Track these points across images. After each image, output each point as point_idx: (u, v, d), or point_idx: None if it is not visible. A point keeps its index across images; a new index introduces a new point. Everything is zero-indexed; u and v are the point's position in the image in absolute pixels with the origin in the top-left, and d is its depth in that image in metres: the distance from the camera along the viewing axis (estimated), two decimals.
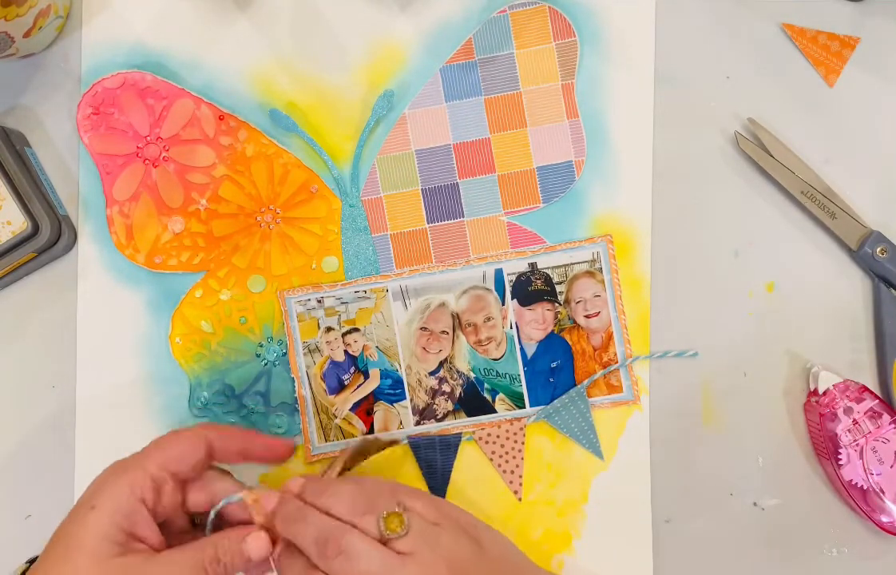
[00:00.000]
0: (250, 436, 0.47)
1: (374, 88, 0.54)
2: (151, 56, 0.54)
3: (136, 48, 0.54)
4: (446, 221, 0.54)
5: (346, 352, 0.54)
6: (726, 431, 0.54)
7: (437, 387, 0.54)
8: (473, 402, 0.54)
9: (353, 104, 0.54)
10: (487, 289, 0.54)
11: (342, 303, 0.54)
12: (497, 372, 0.54)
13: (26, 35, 0.51)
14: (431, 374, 0.54)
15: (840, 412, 0.51)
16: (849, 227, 0.53)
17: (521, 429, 0.54)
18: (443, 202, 0.54)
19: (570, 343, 0.54)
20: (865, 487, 0.51)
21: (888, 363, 0.52)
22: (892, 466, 0.51)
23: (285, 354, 0.54)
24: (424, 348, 0.54)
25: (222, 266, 0.54)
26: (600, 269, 0.54)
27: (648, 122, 0.54)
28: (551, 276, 0.54)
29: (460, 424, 0.54)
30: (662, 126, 0.54)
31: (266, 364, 0.54)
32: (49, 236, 0.52)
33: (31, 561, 0.45)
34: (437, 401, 0.54)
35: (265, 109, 0.54)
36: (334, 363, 0.54)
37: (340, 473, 0.48)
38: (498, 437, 0.54)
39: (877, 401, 0.51)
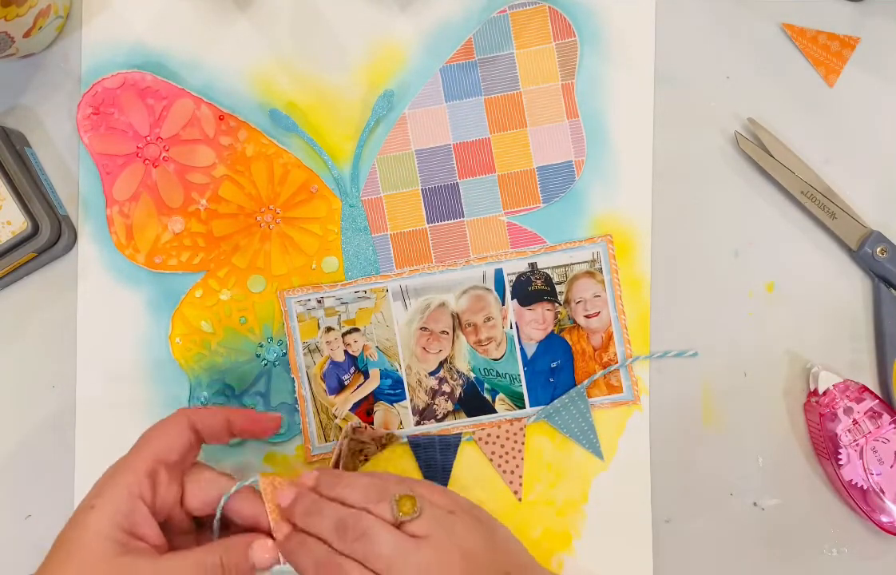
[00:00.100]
0: (231, 410, 0.48)
1: (374, 88, 0.54)
2: (151, 56, 0.54)
3: (136, 48, 0.54)
4: (446, 221, 0.54)
5: (346, 352, 0.54)
6: (726, 431, 0.54)
7: (437, 387, 0.54)
8: (473, 402, 0.54)
9: (353, 104, 0.54)
10: (487, 289, 0.54)
11: (342, 303, 0.54)
12: (497, 372, 0.54)
13: (26, 35, 0.51)
14: (431, 374, 0.54)
15: (840, 412, 0.51)
16: (849, 227, 0.53)
17: (521, 429, 0.54)
18: (443, 202, 0.54)
19: (570, 343, 0.54)
20: (865, 487, 0.51)
21: (888, 363, 0.52)
22: (892, 466, 0.51)
23: (285, 354, 0.54)
24: (424, 348, 0.54)
25: (222, 266, 0.54)
26: (600, 269, 0.54)
27: (648, 122, 0.54)
28: (551, 276, 0.54)
29: (460, 424, 0.54)
30: (662, 126, 0.54)
31: (266, 364, 0.54)
32: (49, 236, 0.52)
33: None
34: (437, 401, 0.54)
35: (265, 109, 0.54)
36: (334, 363, 0.54)
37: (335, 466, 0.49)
38: (498, 437, 0.54)
39: (877, 401, 0.51)
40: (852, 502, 0.51)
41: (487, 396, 0.54)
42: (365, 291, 0.54)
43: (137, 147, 0.53)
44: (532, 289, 0.54)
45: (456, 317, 0.54)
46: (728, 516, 0.53)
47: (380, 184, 0.54)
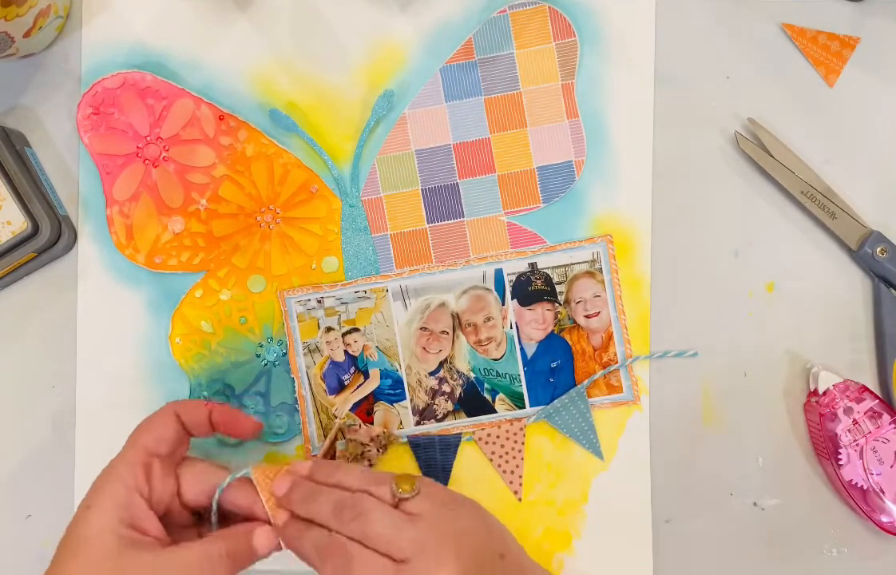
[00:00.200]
0: (213, 403, 0.48)
1: (374, 88, 0.54)
2: (151, 56, 0.54)
3: (136, 48, 0.54)
4: (446, 221, 0.54)
5: (346, 352, 0.54)
6: (726, 431, 0.54)
7: (437, 387, 0.54)
8: (473, 402, 0.54)
9: (353, 104, 0.54)
10: (487, 289, 0.54)
11: (342, 303, 0.54)
12: (497, 372, 0.54)
13: (26, 35, 0.51)
14: (431, 374, 0.54)
15: (840, 412, 0.51)
16: (849, 227, 0.53)
17: (521, 429, 0.54)
18: (443, 202, 0.54)
19: (570, 343, 0.54)
20: (865, 487, 0.51)
21: (888, 363, 0.52)
22: (892, 466, 0.51)
23: (285, 354, 0.54)
24: (424, 348, 0.54)
25: (222, 266, 0.54)
26: (600, 270, 0.54)
27: (648, 122, 0.54)
28: (551, 276, 0.54)
29: (460, 424, 0.54)
30: (662, 126, 0.54)
31: (266, 364, 0.54)
32: (49, 236, 0.52)
33: None
34: (437, 401, 0.54)
35: (265, 109, 0.54)
36: (334, 363, 0.54)
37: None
38: (498, 437, 0.54)
39: (877, 401, 0.51)
40: (852, 502, 0.51)
41: (487, 396, 0.54)
42: (365, 291, 0.54)
43: (137, 147, 0.53)
44: (532, 289, 0.54)
45: (456, 317, 0.54)
46: (728, 516, 0.53)
47: (380, 184, 0.54)
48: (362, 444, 0.53)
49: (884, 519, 0.51)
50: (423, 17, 0.54)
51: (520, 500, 0.54)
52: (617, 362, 0.54)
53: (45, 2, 0.51)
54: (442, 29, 0.54)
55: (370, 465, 0.53)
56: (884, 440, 0.51)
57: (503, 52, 0.54)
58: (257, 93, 0.54)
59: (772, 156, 0.53)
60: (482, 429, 0.54)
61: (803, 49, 0.54)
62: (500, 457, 0.54)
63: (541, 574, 0.46)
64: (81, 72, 0.54)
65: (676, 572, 0.53)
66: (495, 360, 0.54)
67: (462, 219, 0.54)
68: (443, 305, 0.54)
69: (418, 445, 0.54)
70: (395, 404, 0.54)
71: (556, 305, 0.54)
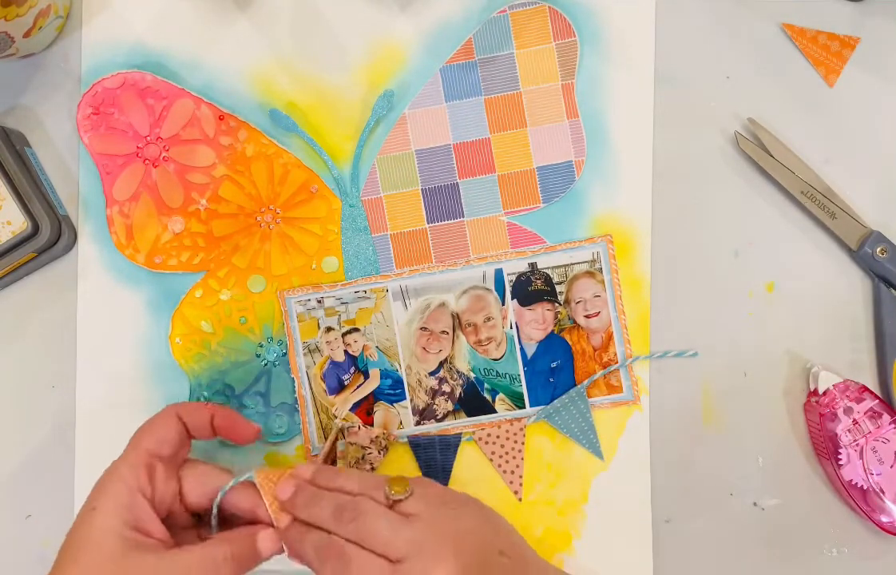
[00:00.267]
0: (215, 406, 0.49)
1: (374, 88, 0.54)
2: (151, 56, 0.54)
3: (136, 48, 0.54)
4: (446, 221, 0.54)
5: (346, 352, 0.54)
6: (726, 431, 0.54)
7: (437, 387, 0.54)
8: (473, 402, 0.54)
9: (353, 104, 0.54)
10: (487, 289, 0.54)
11: (342, 303, 0.54)
12: (497, 372, 0.54)
13: (26, 35, 0.51)
14: (431, 374, 0.54)
15: (840, 412, 0.51)
16: (849, 227, 0.53)
17: (521, 429, 0.54)
18: (443, 202, 0.54)
19: (570, 343, 0.54)
20: (865, 487, 0.51)
21: (888, 363, 0.52)
22: (892, 466, 0.51)
23: (285, 354, 0.54)
24: (424, 348, 0.54)
25: (222, 266, 0.54)
26: (600, 270, 0.54)
27: (648, 122, 0.54)
28: (551, 276, 0.54)
29: (460, 424, 0.54)
30: (662, 126, 0.54)
31: (266, 364, 0.54)
32: (49, 236, 0.52)
33: None
34: (437, 401, 0.54)
35: (265, 109, 0.54)
36: (334, 363, 0.54)
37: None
38: (498, 437, 0.54)
39: (877, 401, 0.51)
40: (852, 502, 0.51)
41: (487, 396, 0.54)
42: (365, 291, 0.54)
43: (137, 147, 0.53)
44: (532, 289, 0.54)
45: (456, 317, 0.54)
46: (728, 516, 0.53)
47: (380, 184, 0.54)
48: (363, 447, 0.53)
49: (884, 519, 0.51)
50: (423, 17, 0.54)
51: (520, 500, 0.54)
52: (617, 362, 0.54)
53: (45, 2, 0.51)
54: (442, 29, 0.54)
55: (372, 468, 0.53)
56: (884, 440, 0.51)
57: (503, 52, 0.54)
58: (257, 93, 0.54)
59: (772, 156, 0.53)
60: (482, 429, 0.54)
61: (803, 49, 0.54)
62: (501, 457, 0.54)
63: (544, 568, 0.46)
64: (81, 72, 0.54)
65: (676, 572, 0.53)
66: (495, 360, 0.54)
67: (462, 219, 0.54)
68: (443, 304, 0.54)
69: (418, 446, 0.54)
70: (395, 404, 0.54)
71: (556, 304, 0.54)
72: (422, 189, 0.54)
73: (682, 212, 0.54)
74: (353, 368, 0.54)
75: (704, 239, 0.54)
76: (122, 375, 0.54)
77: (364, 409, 0.54)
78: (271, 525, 0.46)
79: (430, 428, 0.54)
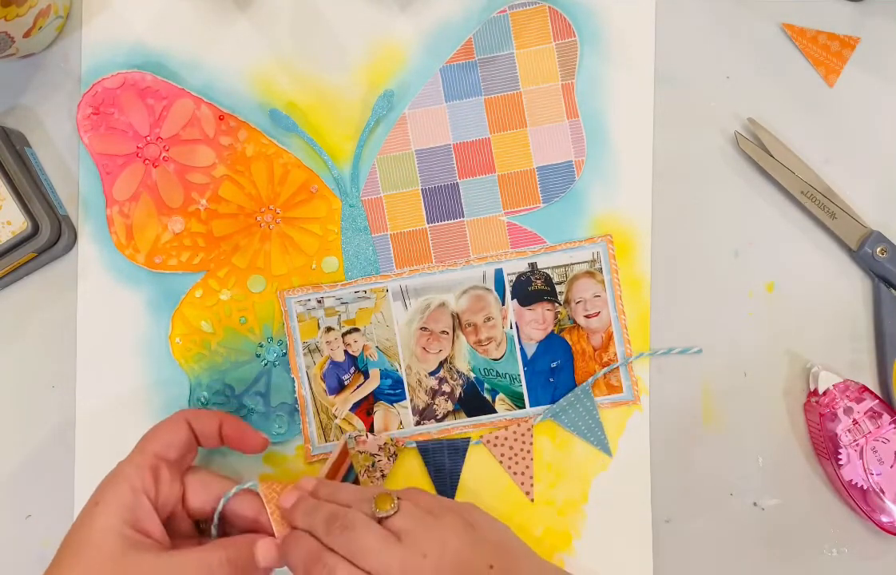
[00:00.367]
0: (225, 415, 0.49)
1: (374, 88, 0.54)
2: (151, 56, 0.54)
3: (136, 48, 0.54)
4: (446, 221, 0.54)
5: (346, 352, 0.54)
6: (726, 431, 0.54)
7: (437, 387, 0.54)
8: (473, 402, 0.54)
9: (353, 104, 0.54)
10: (487, 289, 0.54)
11: (342, 303, 0.54)
12: (497, 372, 0.54)
13: (26, 35, 0.51)
14: (431, 374, 0.54)
15: (840, 412, 0.51)
16: (849, 227, 0.53)
17: (529, 429, 0.54)
18: (443, 202, 0.54)
19: (570, 343, 0.54)
20: (865, 487, 0.51)
21: (888, 363, 0.52)
22: (892, 466, 0.51)
23: (285, 354, 0.54)
24: (424, 348, 0.54)
25: (222, 266, 0.54)
26: (600, 270, 0.54)
27: (648, 122, 0.54)
28: (551, 276, 0.54)
29: (460, 424, 0.54)
30: (662, 126, 0.54)
31: (266, 364, 0.54)
32: (49, 236, 0.52)
33: None
34: (437, 401, 0.54)
35: (265, 109, 0.54)
36: (334, 363, 0.54)
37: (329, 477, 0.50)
38: (506, 439, 0.54)
39: (877, 401, 0.51)
40: (852, 502, 0.51)
41: (487, 396, 0.54)
42: (365, 291, 0.54)
43: (137, 147, 0.53)
44: (532, 289, 0.54)
45: (456, 317, 0.54)
46: (728, 516, 0.53)
47: (380, 184, 0.54)
48: (372, 455, 0.53)
49: (884, 519, 0.51)
50: (423, 17, 0.54)
51: (532, 500, 0.54)
52: (617, 362, 0.54)
53: (45, 2, 0.51)
54: (442, 29, 0.54)
55: (382, 475, 0.53)
56: (884, 440, 0.51)
57: (503, 52, 0.54)
58: (257, 93, 0.54)
59: (772, 156, 0.53)
60: (490, 432, 0.54)
61: (803, 49, 0.54)
62: (510, 459, 0.54)
63: (540, 568, 0.46)
64: (81, 72, 0.54)
65: (676, 572, 0.53)
66: (495, 360, 0.54)
67: (462, 219, 0.54)
68: (443, 305, 0.54)
69: (427, 450, 0.54)
70: (395, 404, 0.54)
71: (556, 305, 0.54)
72: (422, 189, 0.54)
73: (682, 212, 0.54)
74: (353, 368, 0.54)
75: (704, 239, 0.54)
76: (122, 375, 0.54)
77: (364, 409, 0.54)
78: (272, 536, 0.46)
79: (431, 428, 0.54)
